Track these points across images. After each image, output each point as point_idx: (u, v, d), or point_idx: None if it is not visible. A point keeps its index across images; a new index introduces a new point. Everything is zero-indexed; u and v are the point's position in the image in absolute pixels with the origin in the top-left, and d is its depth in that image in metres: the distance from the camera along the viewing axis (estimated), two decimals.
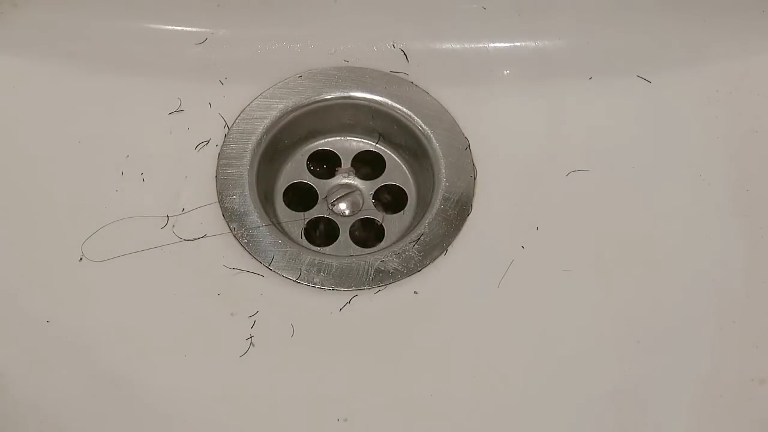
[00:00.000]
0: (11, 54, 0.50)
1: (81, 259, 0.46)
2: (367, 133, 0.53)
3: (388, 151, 0.53)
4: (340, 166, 0.52)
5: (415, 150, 0.51)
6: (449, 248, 0.47)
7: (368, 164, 0.53)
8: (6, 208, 0.47)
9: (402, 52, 0.52)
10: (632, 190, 0.48)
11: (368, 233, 0.51)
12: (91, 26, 0.51)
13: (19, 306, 0.45)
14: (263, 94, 0.51)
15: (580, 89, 0.51)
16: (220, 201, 0.48)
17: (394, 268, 0.47)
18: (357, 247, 0.50)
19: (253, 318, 0.45)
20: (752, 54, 0.50)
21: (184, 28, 0.52)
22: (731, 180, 0.48)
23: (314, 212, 0.51)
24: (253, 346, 0.44)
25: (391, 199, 0.52)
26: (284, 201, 0.51)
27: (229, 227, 0.47)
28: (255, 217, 0.48)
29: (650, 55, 0.51)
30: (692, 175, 0.49)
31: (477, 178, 0.49)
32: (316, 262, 0.47)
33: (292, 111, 0.51)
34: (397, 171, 0.52)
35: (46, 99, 0.49)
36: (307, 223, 0.51)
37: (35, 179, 0.48)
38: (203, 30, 0.52)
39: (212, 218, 0.48)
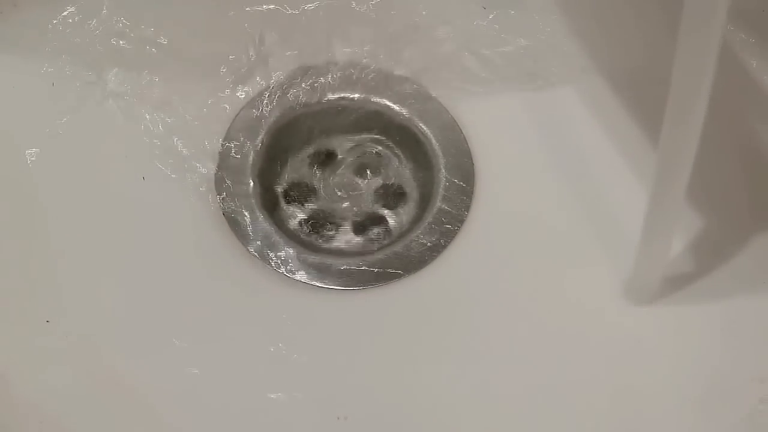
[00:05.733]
0: (11, 54, 0.50)
1: (82, 258, 0.46)
2: (367, 132, 0.53)
3: (388, 151, 0.53)
4: (340, 166, 0.52)
5: (415, 150, 0.51)
6: (449, 248, 0.47)
7: (368, 164, 0.53)
8: (6, 207, 0.47)
9: (402, 52, 0.52)
10: (633, 187, 0.48)
11: (368, 232, 0.51)
12: (91, 26, 0.51)
13: (19, 306, 0.45)
14: (263, 93, 0.51)
15: (580, 89, 0.51)
16: (221, 199, 0.48)
17: (394, 267, 0.47)
18: (356, 246, 0.50)
19: (254, 316, 0.45)
20: None
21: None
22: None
23: (314, 211, 0.51)
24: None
25: (391, 198, 0.52)
26: (285, 200, 0.51)
27: (230, 226, 0.47)
28: (256, 216, 0.48)
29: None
30: None
31: (477, 177, 0.49)
32: (317, 261, 0.47)
33: (292, 110, 0.51)
34: (398, 170, 0.52)
35: (46, 99, 0.49)
36: (308, 222, 0.51)
37: (35, 179, 0.48)
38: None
39: (212, 217, 0.48)
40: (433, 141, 0.50)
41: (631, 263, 0.43)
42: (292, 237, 0.49)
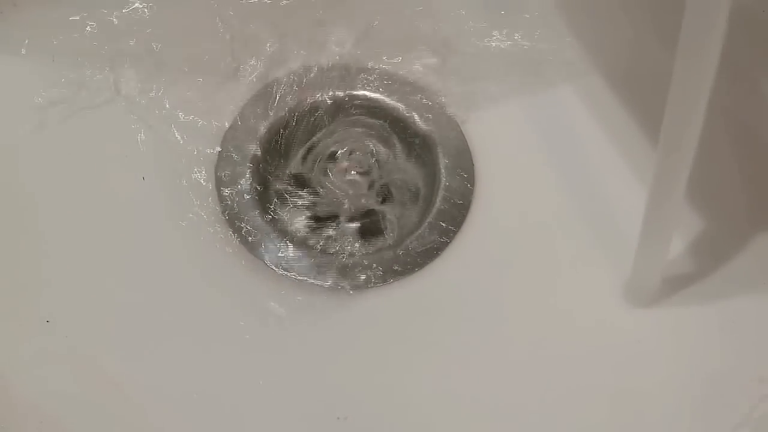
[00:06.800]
0: (11, 53, 0.50)
1: (81, 258, 0.46)
2: (367, 131, 0.53)
3: (388, 150, 0.53)
4: (341, 165, 0.52)
5: (414, 150, 0.51)
6: (449, 248, 0.47)
7: (368, 163, 0.53)
8: (5, 207, 0.47)
9: (402, 52, 0.52)
10: (632, 187, 0.48)
11: (367, 232, 0.51)
12: (90, 26, 0.51)
13: (19, 306, 0.45)
14: (262, 93, 0.51)
15: (580, 89, 0.51)
16: (220, 198, 0.48)
17: (393, 268, 0.47)
18: (356, 245, 0.50)
19: (253, 316, 0.45)
20: None
21: None
22: None
23: (314, 210, 0.51)
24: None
25: (391, 198, 0.52)
26: (285, 199, 0.51)
27: (229, 226, 0.47)
28: (255, 215, 0.48)
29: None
30: None
31: (477, 178, 0.49)
32: (316, 260, 0.47)
33: (292, 109, 0.51)
34: (397, 170, 0.52)
35: (46, 99, 0.49)
36: (307, 221, 0.51)
37: (34, 179, 0.48)
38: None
39: (212, 217, 0.48)
40: (433, 141, 0.50)
41: (631, 264, 0.43)
42: (291, 236, 0.49)
